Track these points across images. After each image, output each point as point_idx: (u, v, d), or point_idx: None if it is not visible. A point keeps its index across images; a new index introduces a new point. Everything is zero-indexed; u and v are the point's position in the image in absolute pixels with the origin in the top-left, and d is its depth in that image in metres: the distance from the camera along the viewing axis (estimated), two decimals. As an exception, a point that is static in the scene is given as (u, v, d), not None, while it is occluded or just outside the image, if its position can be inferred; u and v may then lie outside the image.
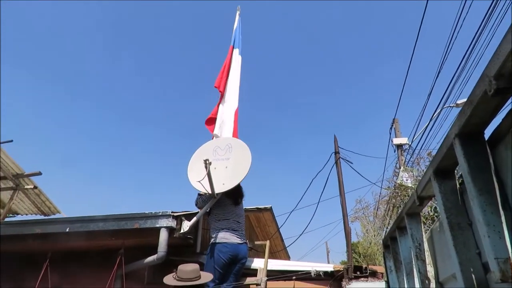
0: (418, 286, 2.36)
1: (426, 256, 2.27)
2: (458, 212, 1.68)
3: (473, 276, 1.56)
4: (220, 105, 5.45)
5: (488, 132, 1.53)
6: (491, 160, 1.40)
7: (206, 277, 3.17)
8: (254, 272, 4.38)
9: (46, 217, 6.91)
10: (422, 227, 2.38)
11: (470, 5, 6.42)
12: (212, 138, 5.20)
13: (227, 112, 5.28)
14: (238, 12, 6.73)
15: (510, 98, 1.26)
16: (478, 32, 6.32)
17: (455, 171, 1.77)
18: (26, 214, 7.23)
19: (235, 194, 4.41)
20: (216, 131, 5.23)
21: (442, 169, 1.74)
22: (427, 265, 2.27)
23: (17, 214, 7.31)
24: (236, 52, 6.05)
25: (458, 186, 1.75)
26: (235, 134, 5.18)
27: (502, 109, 1.38)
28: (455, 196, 1.71)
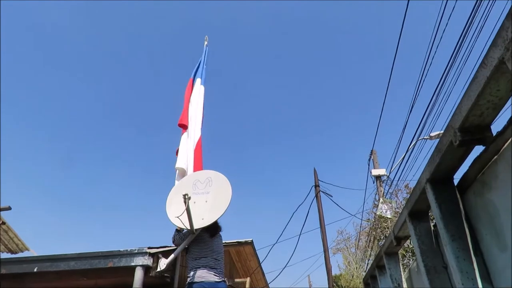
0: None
1: (406, 297, 2.26)
2: (434, 255, 1.70)
3: (450, 321, 1.56)
4: (184, 136, 5.36)
5: (457, 177, 1.59)
6: (461, 206, 1.44)
7: None
8: (233, 312, 4.21)
9: (12, 256, 6.49)
10: (401, 266, 2.39)
11: (439, 43, 6.85)
12: (175, 171, 5.07)
13: (189, 144, 5.22)
14: (205, 43, 6.76)
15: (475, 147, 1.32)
16: (448, 67, 6.72)
17: (429, 213, 1.81)
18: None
19: (212, 228, 4.31)
20: (180, 164, 5.08)
21: (417, 212, 1.77)
22: (406, 307, 2.25)
23: (-19, 252, 6.84)
24: (198, 82, 6.03)
25: (432, 228, 1.78)
26: (199, 164, 5.10)
27: (468, 157, 1.45)
28: (430, 239, 1.74)
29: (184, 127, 5.45)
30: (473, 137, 1.19)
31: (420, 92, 7.65)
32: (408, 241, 6.09)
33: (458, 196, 1.47)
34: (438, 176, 1.47)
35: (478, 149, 1.38)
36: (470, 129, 1.19)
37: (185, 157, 5.13)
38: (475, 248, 1.36)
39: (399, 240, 2.09)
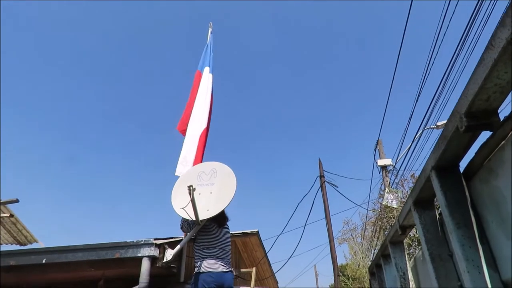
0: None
1: (411, 286, 2.25)
2: (439, 244, 1.68)
3: (456, 309, 1.54)
4: (187, 135, 5.29)
5: (463, 165, 1.56)
6: (467, 193, 1.42)
7: None
8: (239, 302, 4.25)
9: (21, 248, 6.61)
10: (406, 255, 2.37)
11: (446, 30, 6.71)
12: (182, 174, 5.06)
13: (192, 136, 5.18)
14: (210, 30, 6.54)
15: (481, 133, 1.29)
16: (455, 55, 6.59)
17: (434, 201, 1.78)
18: (1, 244, 6.90)
19: (219, 218, 4.33)
20: (178, 173, 5.05)
21: (422, 200, 1.75)
22: (412, 295, 2.24)
23: (-10, 244, 6.96)
24: (206, 70, 5.88)
25: (437, 217, 1.75)
26: (199, 158, 5.09)
27: (474, 143, 1.41)
28: (435, 227, 1.71)
29: (183, 132, 5.39)
30: (480, 122, 1.15)
31: (426, 81, 7.54)
32: (414, 230, 6.07)
33: (464, 183, 1.44)
34: (444, 163, 1.44)
35: (484, 136, 1.35)
36: (477, 114, 1.15)
37: (184, 161, 5.11)
38: (481, 236, 1.34)
39: (404, 229, 2.08)
